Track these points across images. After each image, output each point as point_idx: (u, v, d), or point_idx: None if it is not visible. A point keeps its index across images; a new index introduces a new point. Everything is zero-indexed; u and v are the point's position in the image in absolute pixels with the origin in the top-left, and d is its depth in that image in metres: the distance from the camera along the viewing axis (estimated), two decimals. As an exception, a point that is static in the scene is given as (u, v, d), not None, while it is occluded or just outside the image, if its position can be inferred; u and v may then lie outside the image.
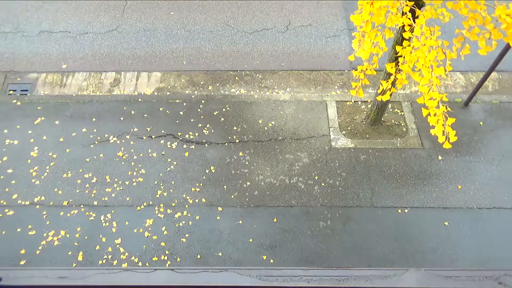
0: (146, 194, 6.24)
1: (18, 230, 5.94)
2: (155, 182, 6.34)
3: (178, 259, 5.74)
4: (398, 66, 4.74)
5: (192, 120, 6.98)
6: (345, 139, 6.78)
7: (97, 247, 5.81)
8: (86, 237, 5.88)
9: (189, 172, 6.44)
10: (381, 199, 6.22)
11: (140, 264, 5.73)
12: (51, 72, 7.64)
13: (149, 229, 5.97)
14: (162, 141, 6.73)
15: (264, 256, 5.78)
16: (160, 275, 1.78)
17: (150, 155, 6.60)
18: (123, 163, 6.52)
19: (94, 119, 6.95)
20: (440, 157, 6.59)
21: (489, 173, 6.44)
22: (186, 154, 6.61)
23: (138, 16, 8.34)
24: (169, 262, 5.72)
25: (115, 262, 5.72)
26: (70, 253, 5.77)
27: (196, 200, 6.19)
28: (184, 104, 7.17)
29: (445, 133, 4.28)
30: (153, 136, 6.78)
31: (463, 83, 7.52)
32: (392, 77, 4.95)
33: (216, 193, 6.27)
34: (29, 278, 1.74)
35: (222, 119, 6.99)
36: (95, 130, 6.83)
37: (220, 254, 5.78)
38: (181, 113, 7.06)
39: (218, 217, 6.07)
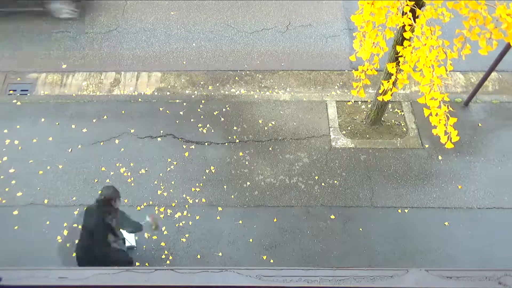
0: (146, 194, 6.24)
1: (19, 230, 5.94)
2: (155, 182, 6.34)
3: (178, 259, 5.73)
4: (399, 66, 4.74)
5: (192, 120, 6.98)
6: (345, 139, 6.78)
7: (97, 247, 5.81)
8: (86, 237, 5.88)
9: (189, 172, 6.44)
10: (381, 199, 6.22)
11: (139, 264, 5.72)
12: (51, 72, 7.64)
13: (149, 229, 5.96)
14: (162, 141, 6.73)
15: (264, 256, 5.78)
16: (160, 275, 1.78)
17: (150, 155, 6.59)
18: (123, 163, 6.51)
19: (94, 119, 6.95)
20: (440, 157, 6.59)
21: (489, 173, 6.44)
22: (186, 154, 6.61)
23: (138, 16, 8.34)
24: (168, 262, 5.72)
25: (115, 262, 5.72)
26: (70, 253, 5.77)
27: (196, 200, 6.19)
28: (184, 104, 7.16)
29: (447, 133, 4.29)
30: (153, 136, 6.78)
31: (463, 83, 7.52)
32: (393, 77, 4.95)
33: (216, 193, 6.26)
34: (29, 278, 1.74)
35: (222, 119, 6.99)
36: (95, 130, 6.82)
37: (220, 254, 5.78)
38: (181, 113, 7.05)
39: (218, 217, 6.07)
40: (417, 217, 6.08)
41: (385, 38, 4.24)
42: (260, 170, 6.47)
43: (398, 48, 4.48)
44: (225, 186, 6.33)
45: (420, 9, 4.35)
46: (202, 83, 7.51)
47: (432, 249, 5.82)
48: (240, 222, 6.03)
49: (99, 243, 4.67)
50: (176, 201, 6.19)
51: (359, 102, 7.21)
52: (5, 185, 6.29)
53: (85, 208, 4.83)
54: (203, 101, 7.20)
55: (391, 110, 7.08)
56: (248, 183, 6.35)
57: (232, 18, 8.33)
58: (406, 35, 4.32)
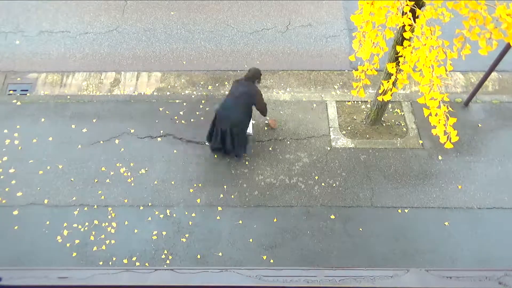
0: (146, 194, 6.24)
1: (19, 230, 5.94)
2: (155, 182, 6.34)
3: (178, 259, 5.74)
4: (399, 66, 4.74)
5: (192, 120, 6.97)
6: (345, 139, 6.78)
7: (97, 247, 5.81)
8: (86, 237, 5.88)
9: (189, 172, 6.44)
10: (381, 199, 6.22)
11: (139, 264, 5.72)
12: (51, 72, 7.64)
13: (149, 229, 5.96)
14: (162, 141, 6.73)
15: (264, 256, 5.78)
16: (160, 275, 1.78)
17: (150, 155, 6.59)
18: (123, 163, 6.51)
19: (94, 119, 6.95)
20: (440, 157, 6.59)
21: (489, 173, 6.44)
22: (186, 154, 6.61)
23: (138, 16, 8.33)
24: (168, 262, 5.72)
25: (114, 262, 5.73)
26: (70, 253, 5.77)
27: (197, 200, 6.19)
28: (184, 104, 7.16)
29: (446, 133, 4.29)
30: (153, 136, 6.78)
31: (463, 83, 7.52)
32: (393, 77, 4.95)
33: (216, 193, 6.26)
34: (29, 278, 1.74)
35: (222, 119, 6.98)
36: (95, 130, 6.82)
37: (220, 254, 5.78)
38: (181, 113, 7.05)
39: (218, 217, 6.07)
40: (417, 217, 6.08)
41: (385, 38, 4.24)
42: (260, 170, 6.47)
43: (398, 48, 4.48)
44: (225, 186, 6.33)
45: (420, 9, 4.35)
46: (202, 83, 7.51)
47: (432, 249, 5.82)
48: (240, 222, 6.03)
49: (240, 109, 5.77)
50: (176, 201, 6.19)
51: (359, 102, 7.21)
52: (5, 185, 6.29)
53: (233, 81, 5.87)
54: (203, 101, 7.19)
55: (391, 110, 7.07)
56: (248, 183, 6.35)
57: (232, 18, 8.33)
58: (406, 35, 4.32)
